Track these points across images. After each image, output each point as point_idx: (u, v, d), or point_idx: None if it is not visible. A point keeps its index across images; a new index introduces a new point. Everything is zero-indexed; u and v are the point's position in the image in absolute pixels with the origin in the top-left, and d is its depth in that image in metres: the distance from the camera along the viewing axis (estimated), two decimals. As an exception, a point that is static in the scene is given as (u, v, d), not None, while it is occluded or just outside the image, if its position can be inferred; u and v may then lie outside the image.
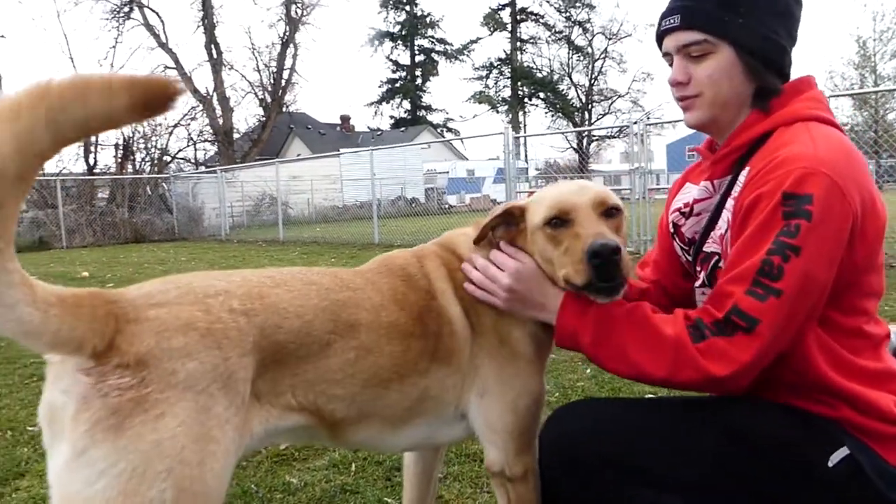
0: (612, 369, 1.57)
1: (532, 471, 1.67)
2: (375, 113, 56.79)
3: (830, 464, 1.46)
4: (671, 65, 1.69)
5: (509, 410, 1.63)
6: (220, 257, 13.34)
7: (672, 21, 1.64)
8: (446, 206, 25.09)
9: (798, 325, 1.43)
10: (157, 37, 32.26)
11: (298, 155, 39.00)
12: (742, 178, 1.58)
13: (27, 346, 1.18)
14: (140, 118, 1.09)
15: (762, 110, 1.61)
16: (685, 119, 1.72)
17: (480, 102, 53.57)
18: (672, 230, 1.85)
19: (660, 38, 1.70)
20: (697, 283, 1.75)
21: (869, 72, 36.33)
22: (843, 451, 1.47)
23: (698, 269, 1.73)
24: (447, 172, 32.55)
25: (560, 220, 1.59)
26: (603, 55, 51.24)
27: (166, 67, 31.54)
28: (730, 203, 1.60)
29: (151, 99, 1.06)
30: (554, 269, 1.61)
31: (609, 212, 1.61)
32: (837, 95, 14.29)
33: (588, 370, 4.12)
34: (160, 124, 26.81)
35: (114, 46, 33.35)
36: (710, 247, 1.68)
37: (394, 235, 15.16)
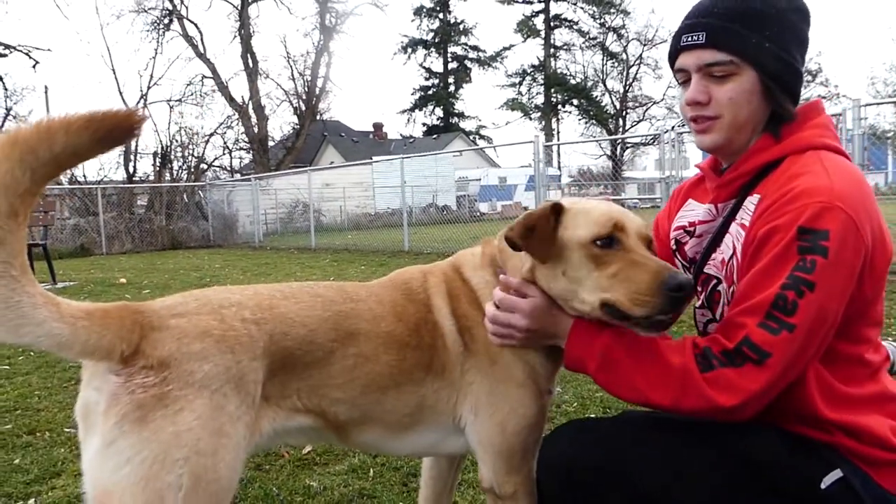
0: (618, 394, 1.57)
1: (524, 491, 1.68)
2: (408, 120, 56.69)
3: (823, 486, 1.47)
4: (682, 83, 1.66)
5: (497, 431, 1.65)
6: (252, 264, 13.55)
7: (696, 38, 1.59)
8: (478, 213, 25.07)
9: (808, 358, 1.43)
10: (195, 47, 33.16)
11: (332, 162, 39.47)
12: (749, 203, 1.58)
13: (63, 357, 1.33)
14: (107, 149, 1.27)
15: (773, 136, 1.60)
16: (698, 141, 1.67)
17: (513, 109, 53.64)
18: (675, 247, 1.86)
19: (676, 54, 1.66)
20: (697, 304, 1.77)
21: (912, 77, 35.34)
22: (836, 474, 1.48)
23: (699, 289, 1.74)
24: (479, 180, 32.53)
25: (610, 241, 1.52)
26: (638, 61, 51.03)
27: (204, 77, 32.36)
28: (734, 228, 1.61)
29: (112, 131, 1.22)
30: (576, 290, 1.54)
31: (650, 244, 1.58)
32: (880, 103, 13.80)
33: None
34: (196, 133, 27.54)
35: (154, 57, 34.48)
36: (710, 269, 1.69)
37: (424, 243, 15.07)
